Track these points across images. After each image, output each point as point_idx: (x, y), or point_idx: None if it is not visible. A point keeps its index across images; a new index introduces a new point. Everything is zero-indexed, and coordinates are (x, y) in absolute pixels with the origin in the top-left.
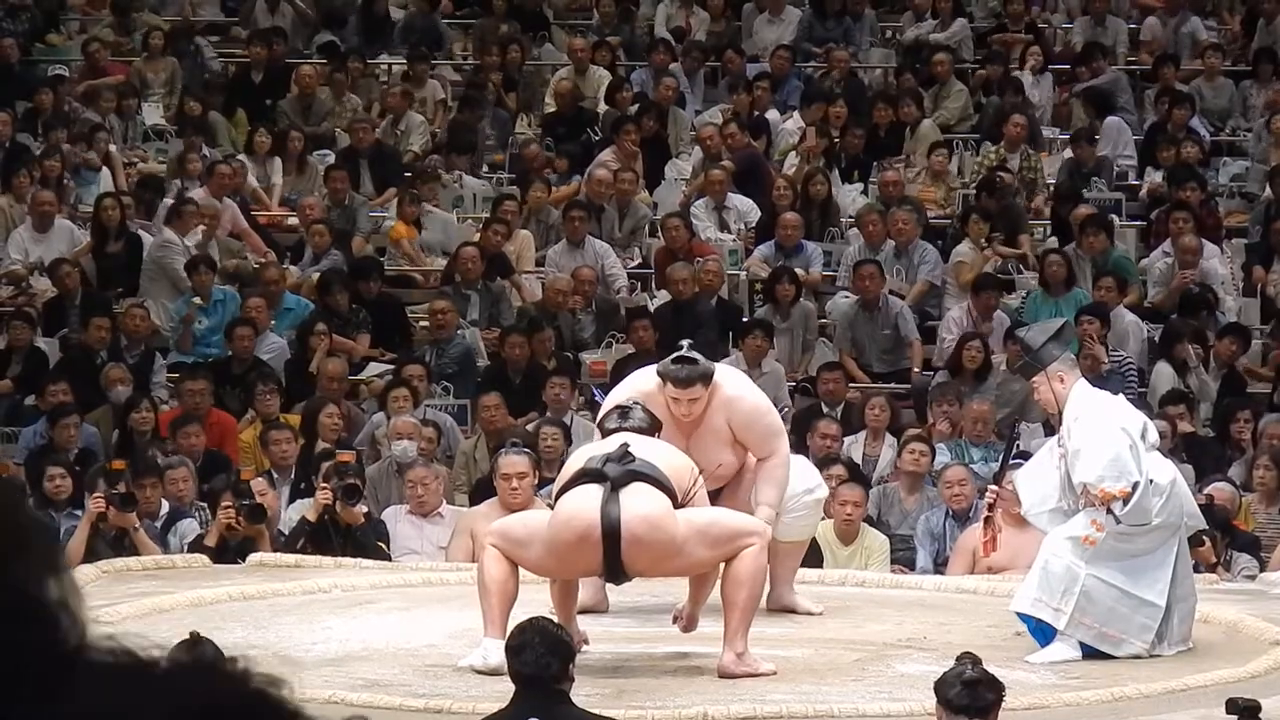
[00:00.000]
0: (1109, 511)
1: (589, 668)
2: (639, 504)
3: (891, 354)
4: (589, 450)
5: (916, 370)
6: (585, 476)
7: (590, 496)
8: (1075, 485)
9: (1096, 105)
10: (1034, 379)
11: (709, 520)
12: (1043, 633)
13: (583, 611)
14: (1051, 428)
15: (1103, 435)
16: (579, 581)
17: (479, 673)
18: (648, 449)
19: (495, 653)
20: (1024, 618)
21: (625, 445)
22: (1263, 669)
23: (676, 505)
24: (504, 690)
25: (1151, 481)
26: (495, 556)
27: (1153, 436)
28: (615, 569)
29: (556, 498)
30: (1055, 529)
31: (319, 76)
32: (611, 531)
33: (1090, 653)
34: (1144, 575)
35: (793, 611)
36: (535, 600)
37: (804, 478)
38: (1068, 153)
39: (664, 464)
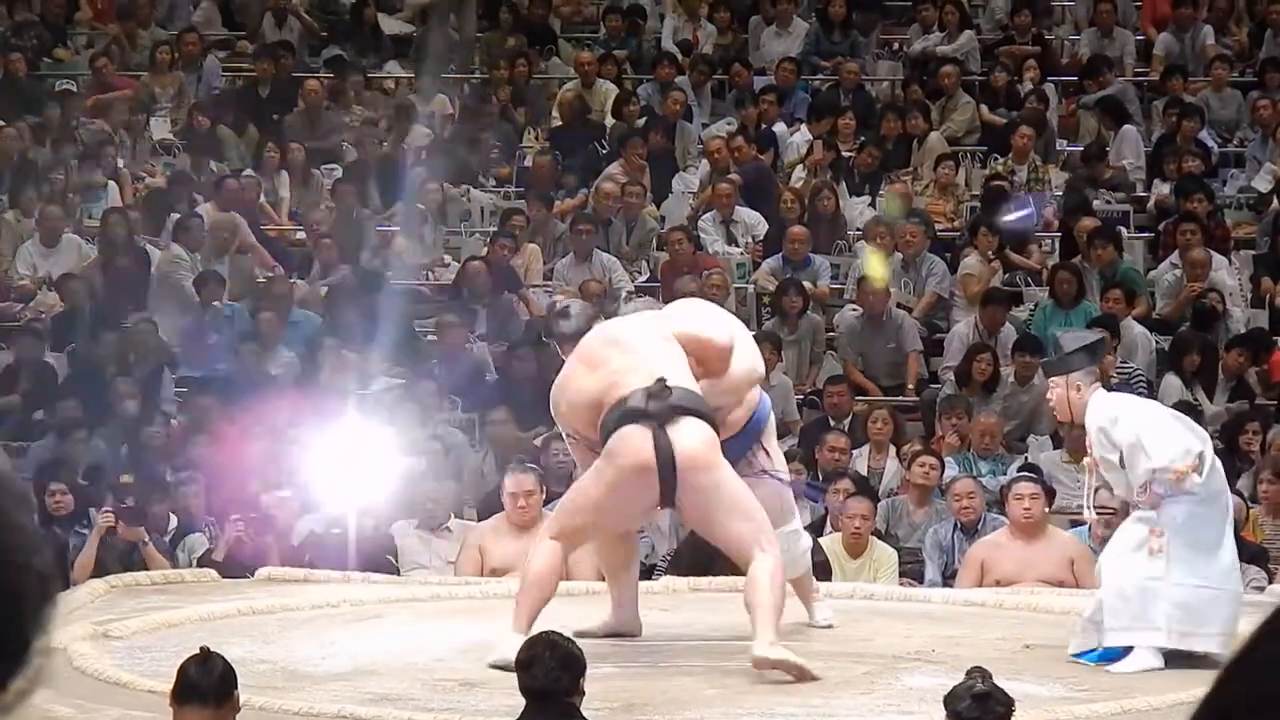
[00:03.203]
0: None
1: (596, 680)
2: (687, 438)
3: (897, 367)
4: (627, 378)
5: (911, 385)
6: (630, 416)
7: (641, 434)
8: (1137, 482)
9: (1112, 115)
10: (1053, 379)
11: (750, 502)
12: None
13: (614, 635)
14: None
15: (1152, 422)
16: (627, 565)
17: (494, 667)
18: (676, 377)
19: (510, 648)
20: (1089, 655)
21: (662, 380)
22: None
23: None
24: (512, 705)
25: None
26: (546, 550)
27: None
28: (670, 498)
29: (602, 432)
30: (1110, 552)
31: (325, 91)
32: (667, 463)
33: (1170, 655)
34: (1216, 564)
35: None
36: (548, 613)
37: (791, 544)
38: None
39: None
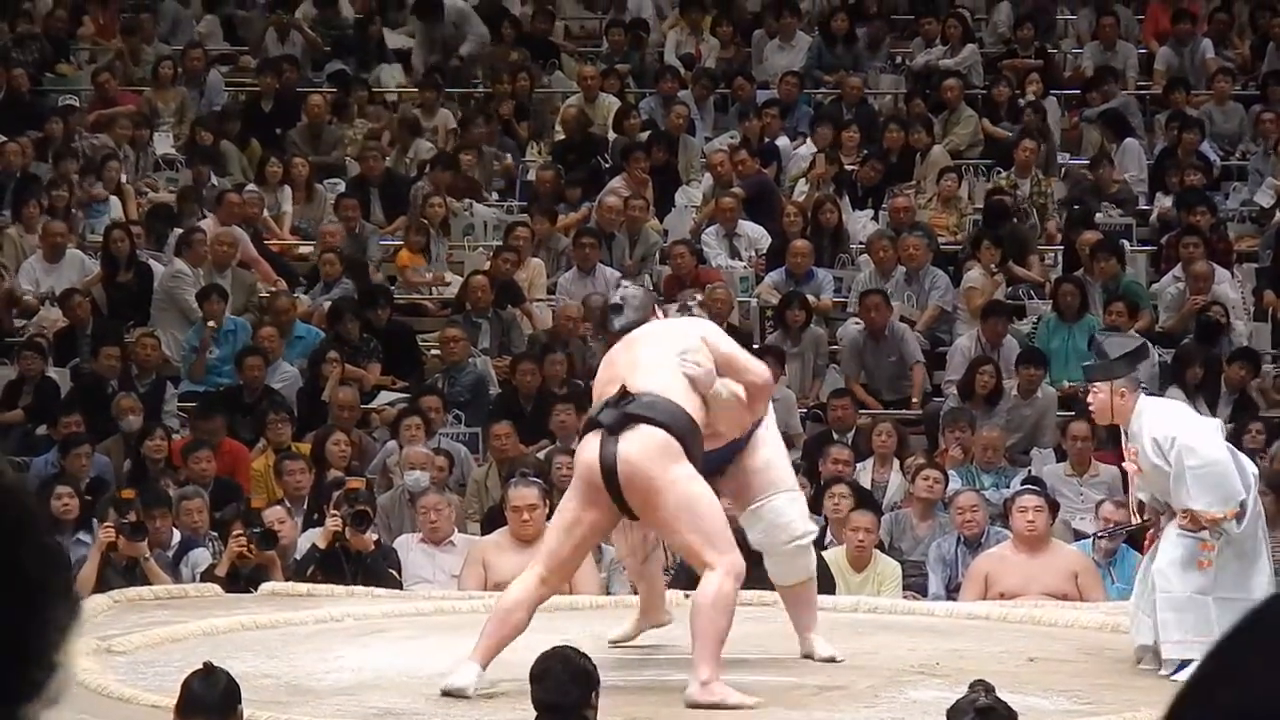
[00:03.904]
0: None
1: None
2: (629, 445)
3: (899, 381)
4: (613, 386)
5: (916, 399)
6: (589, 425)
7: (591, 442)
8: (1176, 507)
9: (1114, 128)
10: (1096, 384)
11: (704, 509)
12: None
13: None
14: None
15: (1207, 458)
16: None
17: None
18: (654, 383)
19: (462, 675)
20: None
21: (623, 388)
22: None
23: (687, 431)
24: (518, 718)
25: (1254, 476)
26: (521, 580)
27: (1223, 435)
28: (625, 508)
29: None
30: (1160, 565)
31: (328, 105)
32: (609, 471)
33: None
34: (1257, 576)
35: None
36: (555, 627)
37: (785, 529)
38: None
39: (674, 393)
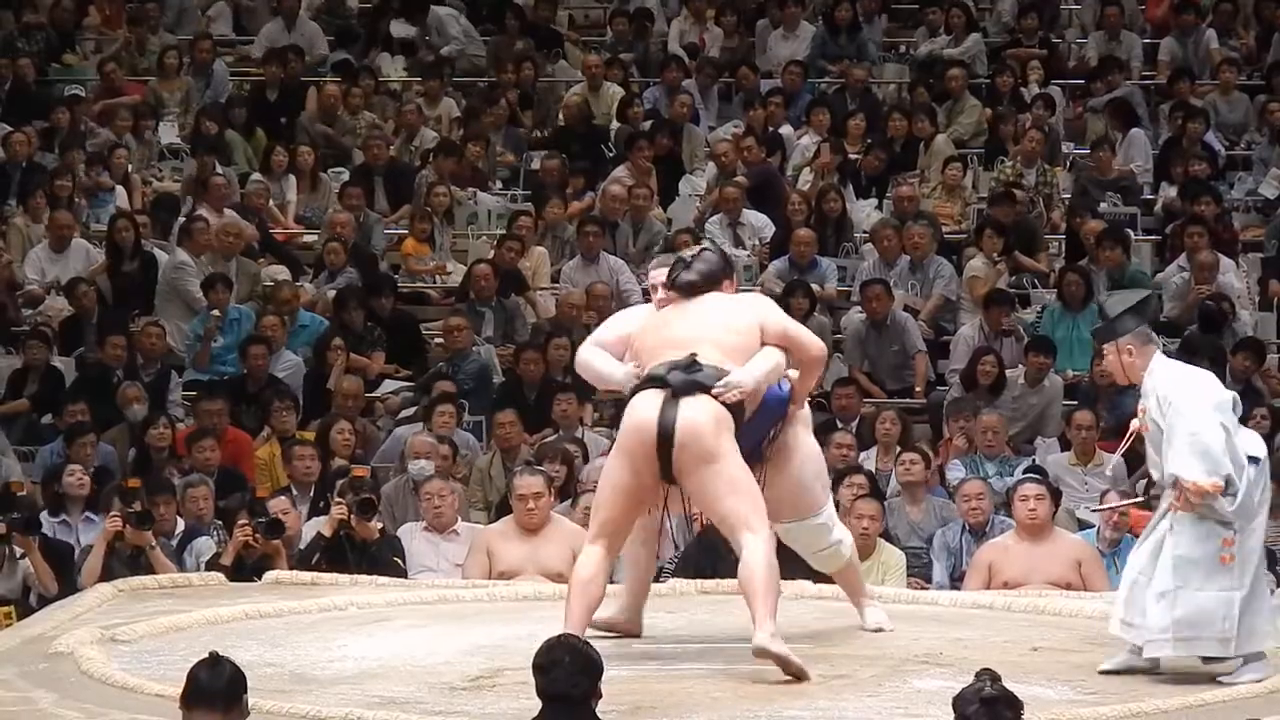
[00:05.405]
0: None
1: (604, 682)
2: (694, 412)
3: (902, 370)
4: (665, 351)
5: (919, 389)
6: (649, 381)
7: (652, 401)
8: (1166, 473)
9: (1121, 117)
10: (1105, 347)
11: (751, 480)
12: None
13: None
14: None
15: (1197, 426)
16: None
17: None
18: (713, 350)
19: None
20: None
21: (693, 355)
22: None
23: (739, 411)
24: (519, 708)
25: (1256, 460)
26: (585, 557)
27: (1239, 411)
28: (668, 470)
29: (630, 395)
30: (1177, 551)
31: (333, 95)
32: (666, 435)
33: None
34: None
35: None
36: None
37: (818, 536)
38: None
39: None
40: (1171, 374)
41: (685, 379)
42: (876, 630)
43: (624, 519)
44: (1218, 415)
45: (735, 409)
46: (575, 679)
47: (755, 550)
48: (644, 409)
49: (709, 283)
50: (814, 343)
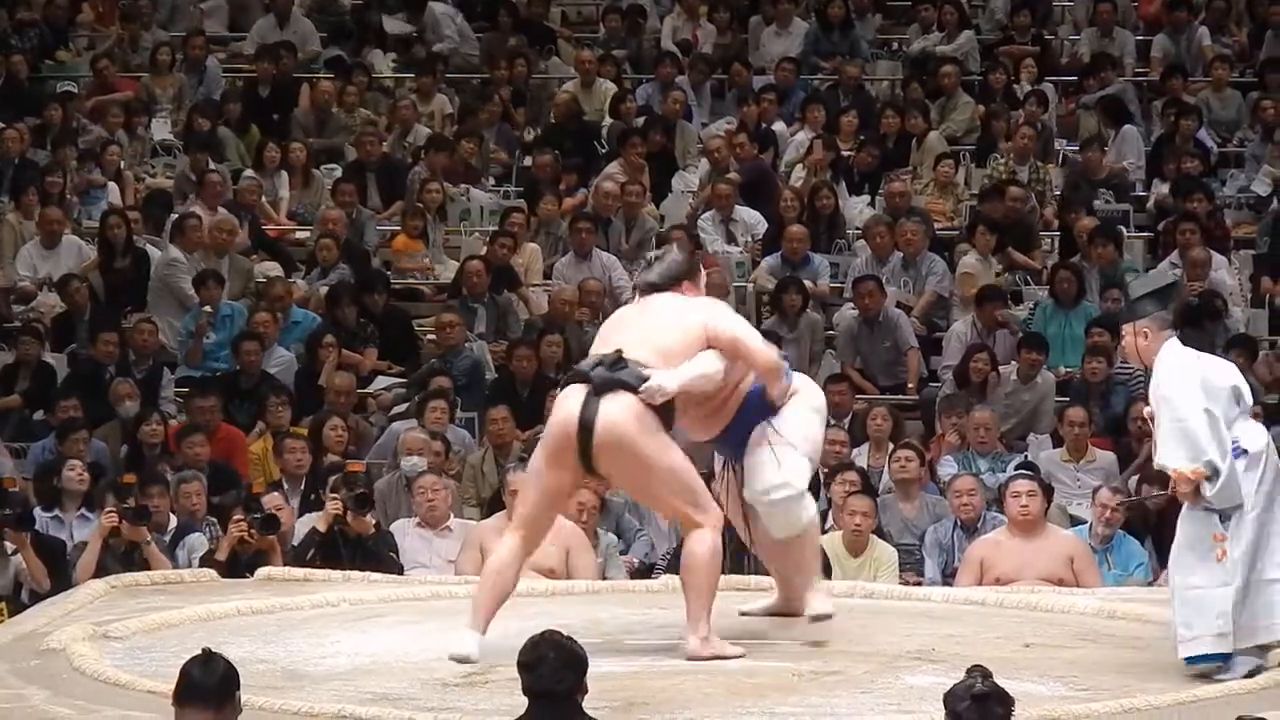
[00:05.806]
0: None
1: (597, 679)
2: (614, 409)
3: (895, 366)
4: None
5: (911, 385)
6: (574, 376)
7: (575, 396)
8: (1155, 464)
9: (1113, 114)
10: (1124, 327)
11: (684, 474)
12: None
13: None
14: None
15: (1182, 413)
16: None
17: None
18: (647, 349)
19: (465, 644)
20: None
21: (619, 351)
22: (1273, 682)
23: (666, 410)
24: (512, 704)
25: (1245, 452)
26: (501, 546)
27: (1248, 398)
28: (588, 464)
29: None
30: (1177, 541)
31: (326, 91)
32: (586, 429)
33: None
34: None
35: (796, 614)
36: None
37: (761, 477)
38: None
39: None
40: (1172, 362)
41: (606, 376)
42: (817, 619)
43: (545, 512)
44: (1204, 401)
45: (663, 409)
46: (560, 675)
47: (696, 544)
48: (566, 404)
49: (667, 283)
50: (763, 355)
